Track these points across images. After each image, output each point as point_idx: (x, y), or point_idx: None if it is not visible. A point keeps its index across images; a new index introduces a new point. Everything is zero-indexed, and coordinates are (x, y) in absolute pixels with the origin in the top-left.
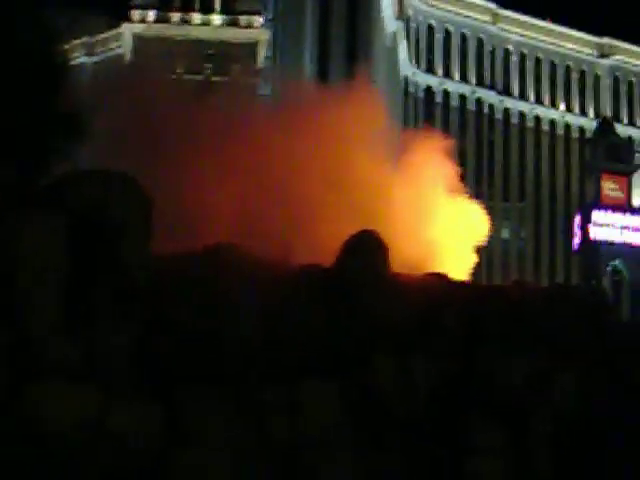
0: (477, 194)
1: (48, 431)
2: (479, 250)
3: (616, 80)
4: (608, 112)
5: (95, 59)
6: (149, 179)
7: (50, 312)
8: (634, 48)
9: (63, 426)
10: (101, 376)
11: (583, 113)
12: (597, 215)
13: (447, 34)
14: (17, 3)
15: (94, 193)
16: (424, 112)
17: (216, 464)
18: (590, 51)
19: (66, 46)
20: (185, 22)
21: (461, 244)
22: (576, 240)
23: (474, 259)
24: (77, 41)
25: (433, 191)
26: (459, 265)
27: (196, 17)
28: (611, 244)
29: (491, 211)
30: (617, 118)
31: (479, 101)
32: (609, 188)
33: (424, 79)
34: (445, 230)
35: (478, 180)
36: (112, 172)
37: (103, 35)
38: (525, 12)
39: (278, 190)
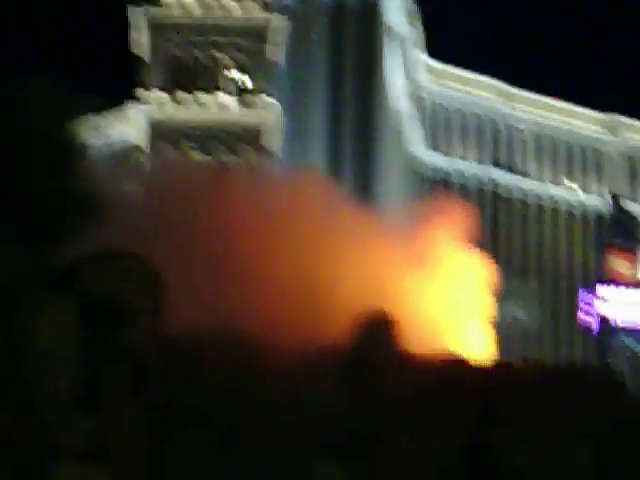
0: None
1: None
2: (494, 329)
3: (630, 159)
4: (619, 190)
5: (105, 139)
6: (162, 258)
7: (63, 392)
8: None
9: None
10: (113, 455)
11: (588, 191)
12: (604, 291)
13: (457, 113)
14: (32, 84)
15: (105, 274)
16: (434, 191)
17: None
18: (600, 129)
19: (79, 125)
20: (195, 102)
21: (468, 314)
22: (582, 316)
23: (488, 336)
24: (88, 120)
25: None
26: (471, 341)
27: (205, 97)
28: (622, 321)
29: (507, 291)
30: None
31: (481, 180)
32: (618, 264)
33: (433, 158)
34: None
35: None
36: (124, 252)
37: (112, 113)
38: (533, 89)
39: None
